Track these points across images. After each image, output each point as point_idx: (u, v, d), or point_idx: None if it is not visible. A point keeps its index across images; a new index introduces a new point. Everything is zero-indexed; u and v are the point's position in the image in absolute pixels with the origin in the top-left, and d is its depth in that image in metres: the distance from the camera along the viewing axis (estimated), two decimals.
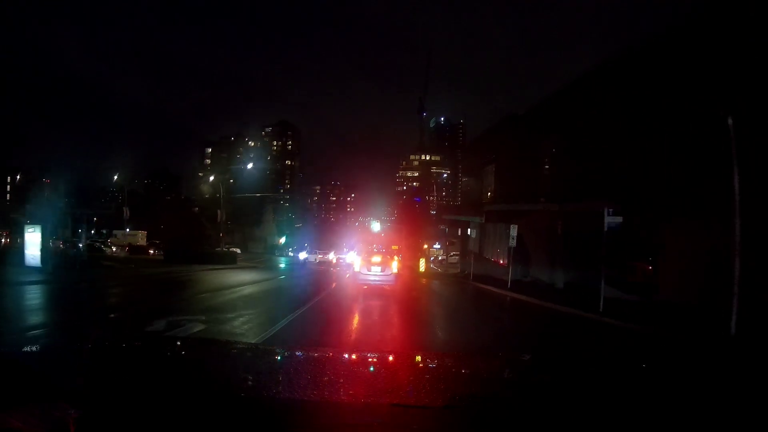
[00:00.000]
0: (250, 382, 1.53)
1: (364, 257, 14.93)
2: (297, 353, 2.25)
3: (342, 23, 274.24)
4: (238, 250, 44.60)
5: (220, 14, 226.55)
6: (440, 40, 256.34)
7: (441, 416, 1.24)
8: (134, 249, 39.13)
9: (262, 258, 47.00)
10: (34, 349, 1.74)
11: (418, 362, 2.20)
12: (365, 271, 14.19)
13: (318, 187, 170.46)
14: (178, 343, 2.53)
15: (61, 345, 1.90)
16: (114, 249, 47.49)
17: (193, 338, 4.73)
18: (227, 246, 39.42)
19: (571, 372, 1.90)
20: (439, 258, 45.67)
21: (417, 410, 1.24)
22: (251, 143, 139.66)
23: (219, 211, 44.99)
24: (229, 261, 28.95)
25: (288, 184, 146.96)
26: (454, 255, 45.10)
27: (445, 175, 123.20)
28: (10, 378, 1.19)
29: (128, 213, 43.46)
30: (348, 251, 43.13)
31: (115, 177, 53.34)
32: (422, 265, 28.66)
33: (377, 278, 14.08)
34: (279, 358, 2.05)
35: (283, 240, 57.47)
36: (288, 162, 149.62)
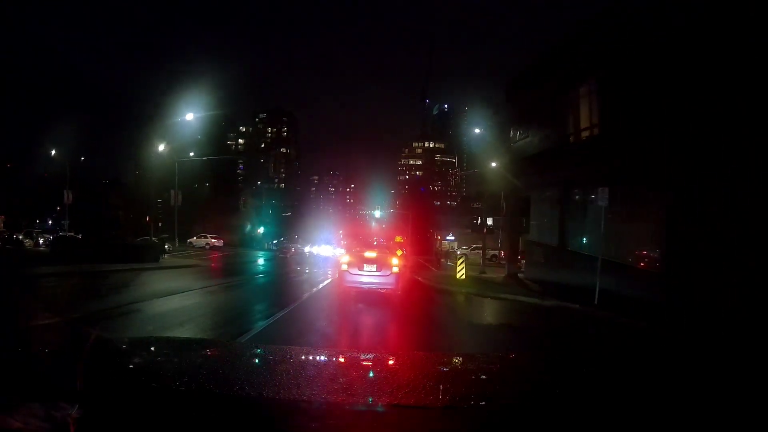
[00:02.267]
0: (250, 382, 1.41)
1: (355, 252, 11.46)
2: (297, 353, 2.16)
3: (341, 13, 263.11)
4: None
5: (218, 10, 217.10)
6: (442, 29, 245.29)
7: (441, 417, 1.22)
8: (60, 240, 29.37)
9: (228, 250, 36.48)
10: (34, 349, 1.57)
11: (418, 363, 2.12)
12: (355, 270, 10.51)
13: (315, 177, 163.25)
14: (179, 343, 2.46)
15: (61, 345, 1.61)
16: (41, 240, 37.48)
17: (193, 339, 4.05)
18: (160, 236, 30.30)
19: (572, 372, 1.84)
20: (458, 252, 35.17)
21: (417, 411, 1.22)
22: (242, 128, 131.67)
23: (172, 192, 34.88)
24: (144, 257, 18.58)
25: (283, 173, 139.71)
26: (476, 249, 34.69)
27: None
28: (10, 378, 1.17)
29: (70, 197, 34.01)
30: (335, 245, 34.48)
31: (53, 152, 43.43)
32: (460, 269, 15.63)
33: (372, 280, 10.44)
34: (279, 358, 1.98)
35: (261, 230, 47.25)
36: (283, 150, 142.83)
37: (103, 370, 1.37)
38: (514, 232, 18.16)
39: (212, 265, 22.67)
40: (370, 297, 10.38)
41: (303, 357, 2.04)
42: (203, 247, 36.13)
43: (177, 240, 34.83)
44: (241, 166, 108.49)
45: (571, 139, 13.25)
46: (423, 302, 11.51)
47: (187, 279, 14.15)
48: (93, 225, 37.58)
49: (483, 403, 1.35)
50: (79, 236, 29.62)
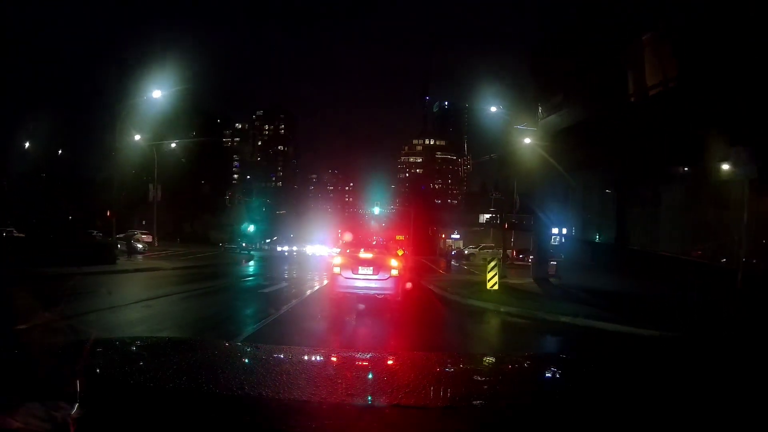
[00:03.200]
0: (249, 382, 1.42)
1: (349, 253, 10.23)
2: (297, 353, 2.14)
3: (340, 11, 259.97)
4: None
5: (218, 9, 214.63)
6: (442, 26, 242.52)
7: (441, 417, 1.20)
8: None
9: (205, 252, 33.33)
10: (34, 349, 1.58)
11: (419, 363, 2.09)
12: (349, 273, 9.25)
13: (314, 176, 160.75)
14: (179, 342, 2.40)
15: (61, 345, 1.61)
16: None
17: (193, 339, 3.91)
18: (128, 233, 27.17)
19: (572, 372, 1.84)
20: (466, 252, 32.11)
21: (417, 411, 1.21)
22: (238, 125, 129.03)
23: (151, 187, 31.65)
24: (94, 259, 15.48)
25: (281, 171, 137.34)
26: (485, 248, 31.63)
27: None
28: (10, 378, 1.16)
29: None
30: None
31: (26, 144, 40.40)
32: (492, 276, 11.42)
33: (368, 285, 9.13)
34: (278, 358, 1.97)
35: (252, 228, 44.29)
36: (280, 147, 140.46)
37: (102, 369, 1.38)
38: (545, 226, 14.98)
39: (178, 269, 19.46)
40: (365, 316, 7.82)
41: (303, 357, 2.03)
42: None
43: (156, 238, 31.78)
44: (236, 164, 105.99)
45: (633, 100, 10.09)
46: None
47: (129, 289, 11.11)
48: (53, 223, 34.53)
49: (483, 403, 1.35)
50: (15, 234, 26.64)
